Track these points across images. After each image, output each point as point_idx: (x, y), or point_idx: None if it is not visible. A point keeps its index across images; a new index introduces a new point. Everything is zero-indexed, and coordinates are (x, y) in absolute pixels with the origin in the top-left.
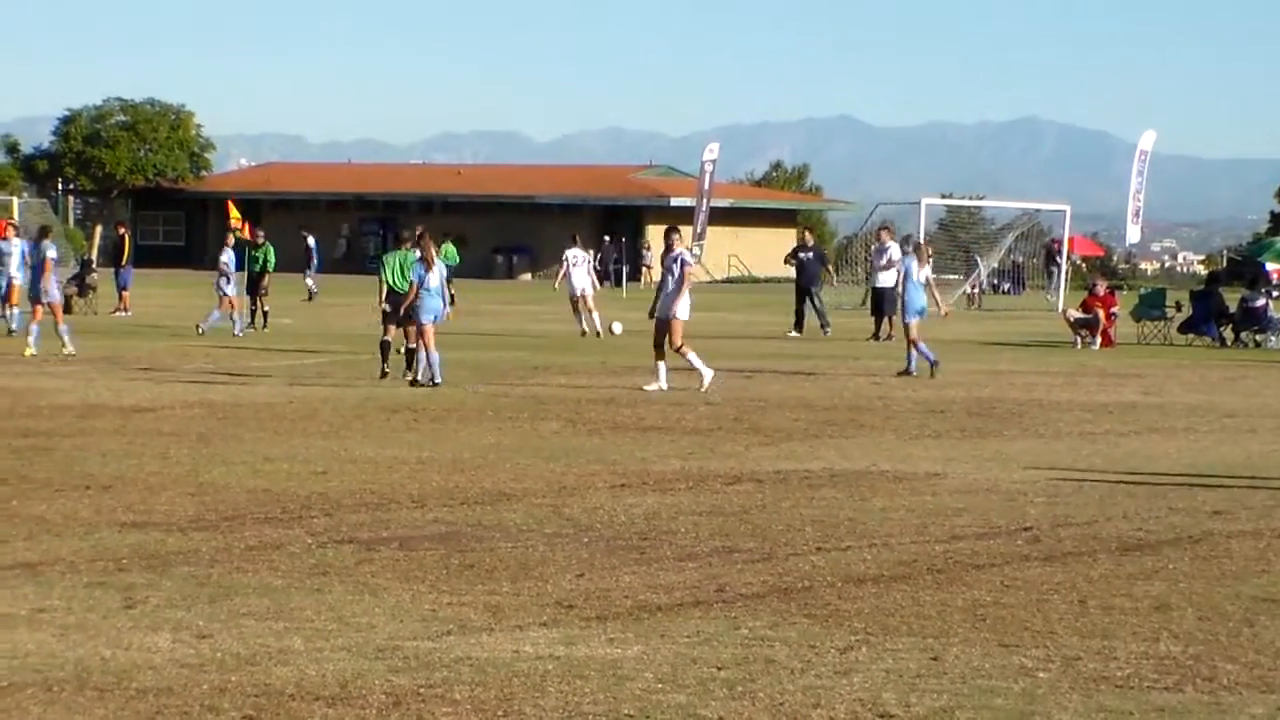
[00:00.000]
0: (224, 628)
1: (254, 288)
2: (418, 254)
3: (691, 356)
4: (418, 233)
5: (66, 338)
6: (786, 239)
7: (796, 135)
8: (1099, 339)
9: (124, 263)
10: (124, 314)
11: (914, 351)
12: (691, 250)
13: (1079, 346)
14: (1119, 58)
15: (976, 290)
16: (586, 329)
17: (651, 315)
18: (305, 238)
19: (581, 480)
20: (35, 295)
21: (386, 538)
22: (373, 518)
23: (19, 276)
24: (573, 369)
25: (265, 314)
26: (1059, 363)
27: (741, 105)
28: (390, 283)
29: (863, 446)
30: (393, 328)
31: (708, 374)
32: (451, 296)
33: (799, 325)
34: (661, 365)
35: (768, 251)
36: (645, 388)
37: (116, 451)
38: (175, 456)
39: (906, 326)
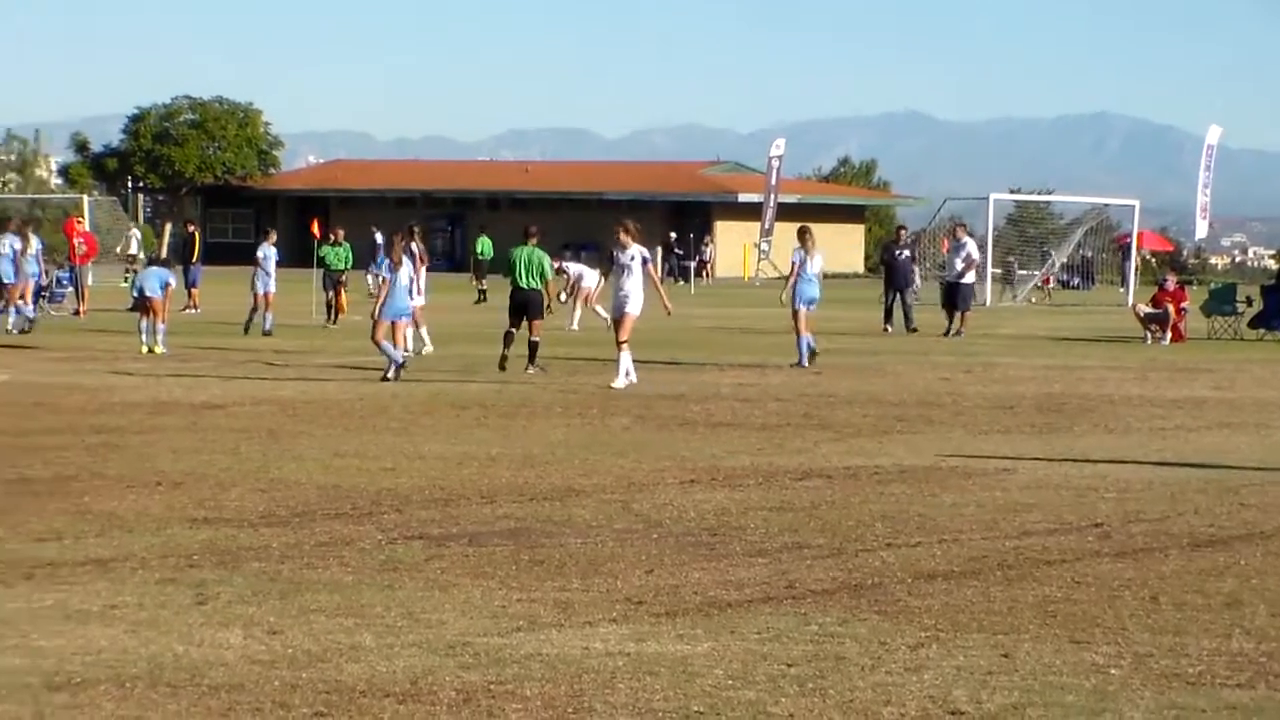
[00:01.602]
0: (295, 624)
1: (334, 285)
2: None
3: (625, 356)
4: (409, 229)
5: (160, 336)
6: (854, 235)
7: (865, 131)
8: (1169, 334)
9: (193, 260)
10: (194, 311)
11: (806, 339)
12: (759, 245)
13: (1149, 342)
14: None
15: (1049, 284)
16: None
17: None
18: (374, 234)
19: (651, 476)
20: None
21: (456, 534)
22: (442, 514)
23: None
24: (642, 365)
25: (338, 311)
26: (1129, 358)
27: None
28: (515, 279)
29: (932, 442)
30: (537, 323)
31: (622, 381)
32: (483, 292)
33: (889, 320)
34: (624, 357)
35: (836, 247)
36: (615, 385)
37: (187, 448)
38: (245, 453)
39: (796, 315)
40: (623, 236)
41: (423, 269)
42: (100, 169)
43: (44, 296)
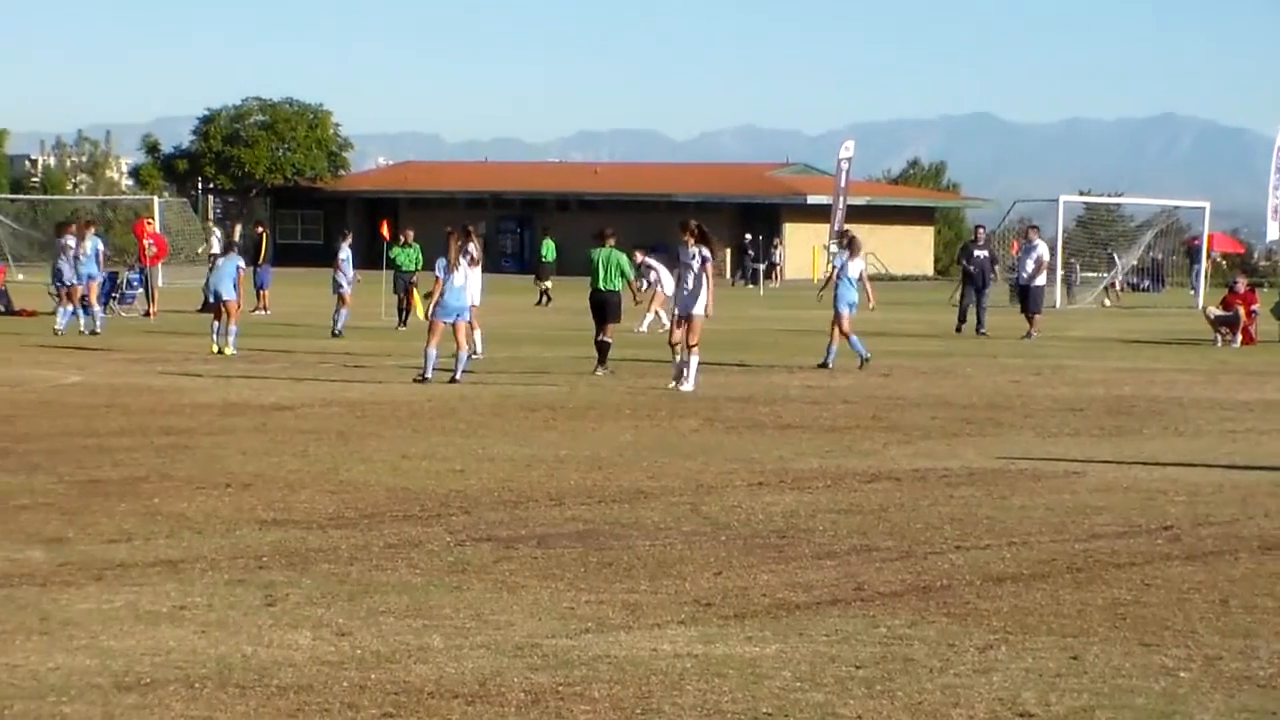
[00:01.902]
0: (363, 625)
1: (405, 287)
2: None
3: (694, 360)
4: (464, 229)
5: (231, 338)
6: (924, 237)
7: (934, 133)
8: (1239, 336)
9: (261, 262)
10: (263, 313)
11: (835, 345)
12: (829, 248)
13: (1219, 344)
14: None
15: (1116, 287)
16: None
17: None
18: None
19: (719, 478)
20: (219, 296)
21: (525, 536)
22: (511, 516)
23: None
24: (710, 367)
25: (409, 312)
26: (1199, 360)
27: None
28: (595, 280)
29: (1001, 444)
30: (610, 326)
31: (691, 384)
32: (547, 294)
33: (964, 321)
34: (680, 360)
35: (905, 249)
36: (675, 386)
37: (256, 449)
38: (314, 454)
39: (840, 318)
40: (685, 236)
41: (476, 270)
42: (171, 170)
43: (114, 298)
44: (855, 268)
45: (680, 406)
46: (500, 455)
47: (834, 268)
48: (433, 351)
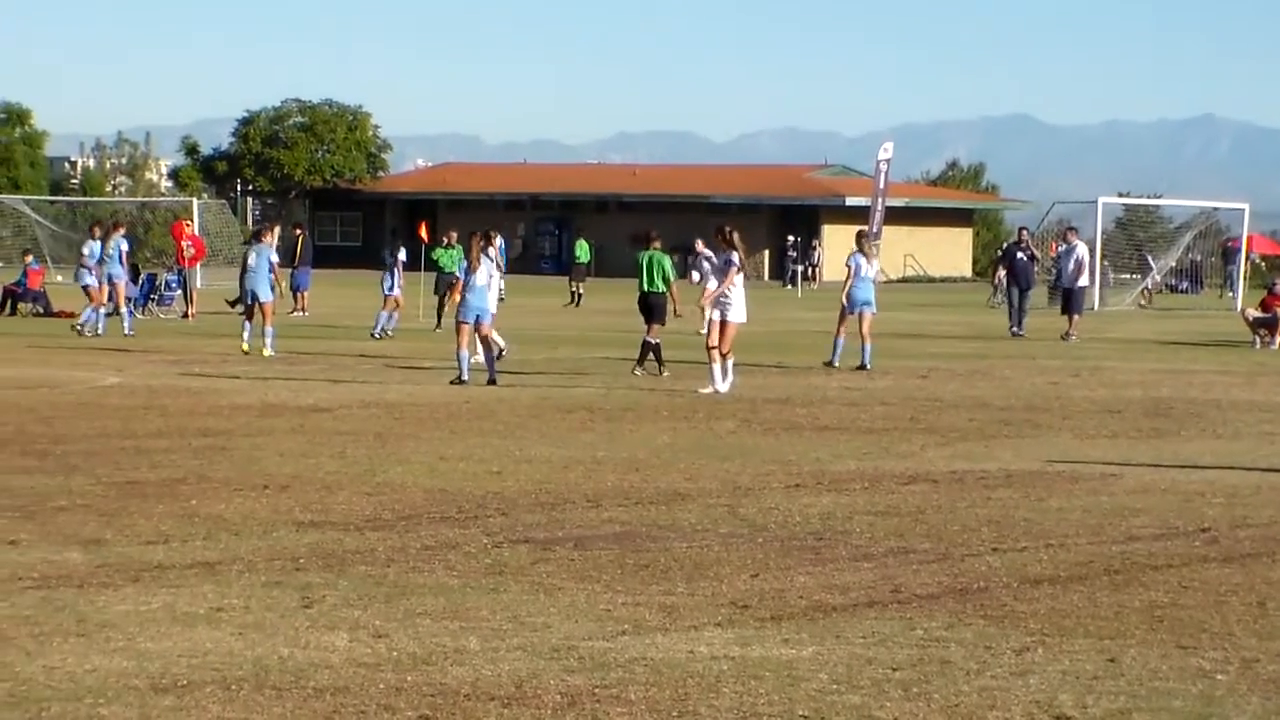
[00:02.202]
0: (400, 627)
1: (447, 288)
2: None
3: (729, 365)
4: (485, 233)
5: (268, 340)
6: (962, 239)
7: (972, 134)
8: (1278, 338)
9: (298, 263)
10: (301, 314)
11: (869, 345)
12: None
13: (1258, 346)
14: None
15: (1150, 289)
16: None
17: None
18: (495, 238)
19: (756, 480)
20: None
21: (562, 537)
22: (548, 517)
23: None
24: (747, 369)
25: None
26: (1237, 362)
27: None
28: (641, 282)
29: (1039, 446)
30: (656, 326)
31: (726, 384)
32: (580, 295)
33: (1019, 322)
34: (716, 367)
35: (943, 250)
36: (700, 390)
37: (294, 451)
38: (352, 456)
39: (862, 319)
40: (719, 240)
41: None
42: (210, 172)
43: (152, 300)
44: (872, 268)
45: (718, 408)
46: (537, 457)
47: (849, 268)
48: (465, 353)
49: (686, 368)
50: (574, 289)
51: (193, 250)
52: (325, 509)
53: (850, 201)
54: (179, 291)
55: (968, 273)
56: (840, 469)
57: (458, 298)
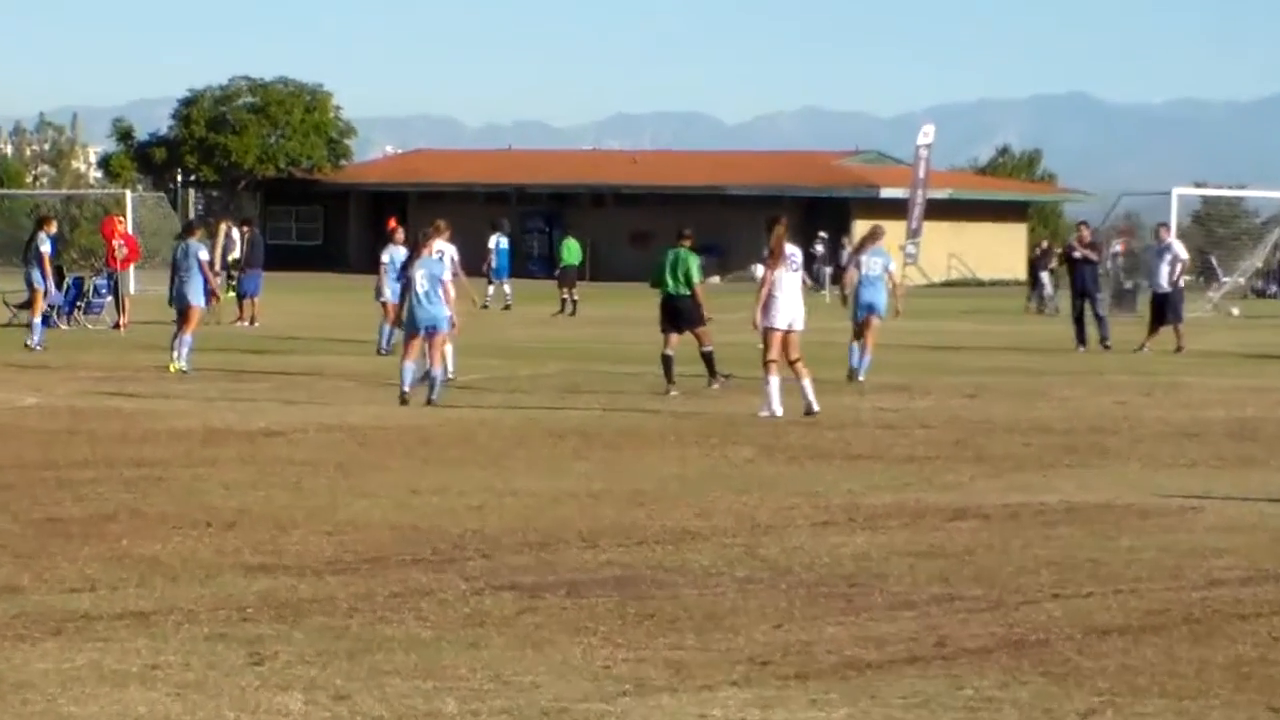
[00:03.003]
0: (365, 687)
1: None
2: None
3: (807, 382)
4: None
5: (184, 350)
6: (1015, 235)
7: (1025, 115)
8: None
9: (244, 267)
10: (246, 325)
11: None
12: (905, 248)
13: None
14: None
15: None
16: None
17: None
18: (497, 237)
19: (779, 516)
20: (183, 300)
21: (553, 583)
22: (537, 560)
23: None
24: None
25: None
26: None
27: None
28: (665, 286)
29: (1106, 476)
30: (674, 337)
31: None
32: (574, 303)
33: (1081, 338)
34: (774, 382)
35: (993, 249)
36: (760, 413)
37: (242, 483)
38: (309, 488)
39: (867, 325)
40: (775, 233)
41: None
42: (146, 160)
43: (79, 307)
44: (876, 264)
45: (734, 433)
46: (524, 489)
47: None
48: (409, 365)
49: (699, 381)
50: (565, 295)
51: (125, 250)
52: (277, 550)
53: (885, 193)
54: (109, 298)
55: (1022, 275)
56: (875, 503)
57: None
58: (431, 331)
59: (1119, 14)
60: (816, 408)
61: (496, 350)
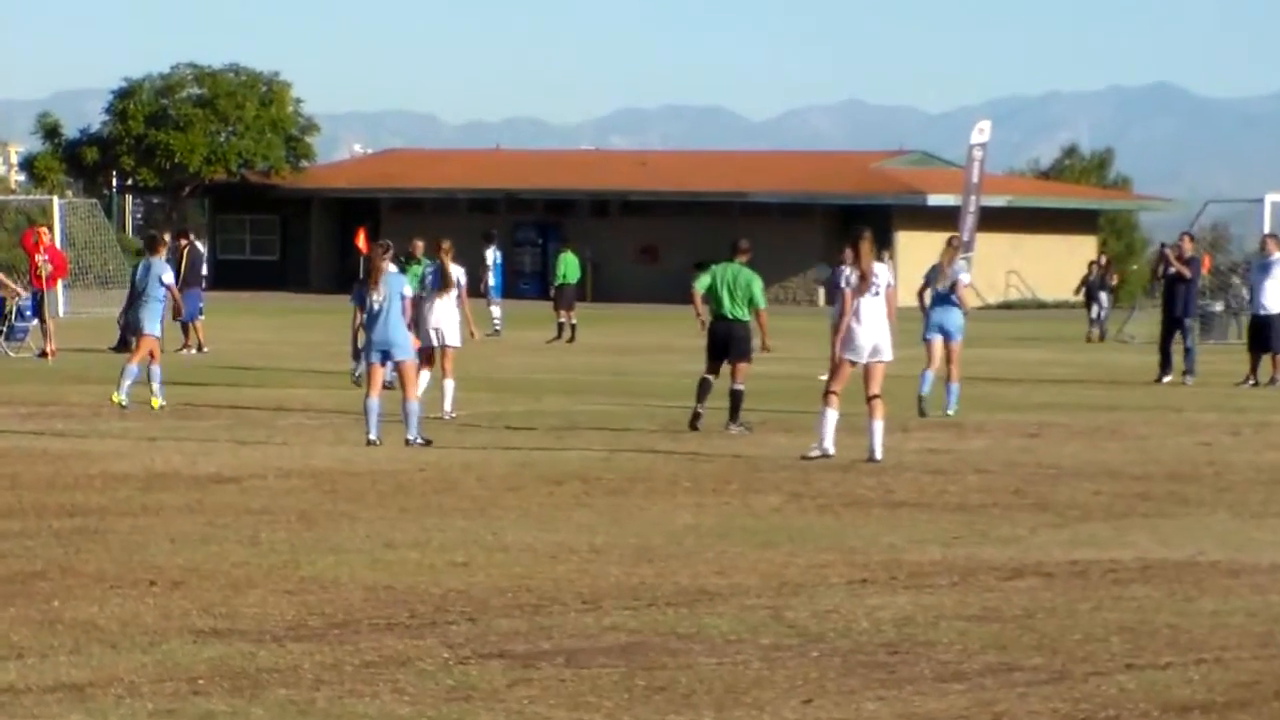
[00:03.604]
0: None
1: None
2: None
3: (877, 425)
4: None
5: (157, 384)
6: (1084, 249)
7: (1098, 109)
8: None
9: (184, 284)
10: (191, 351)
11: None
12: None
13: None
14: None
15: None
16: None
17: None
18: (487, 251)
19: (809, 574)
20: (136, 327)
21: (549, 651)
22: (530, 624)
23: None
24: (796, 424)
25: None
26: None
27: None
28: (718, 305)
29: (1187, 529)
30: (742, 366)
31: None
32: (572, 327)
33: (1166, 367)
34: (831, 416)
35: (1057, 266)
36: (808, 453)
37: (189, 535)
38: (268, 542)
39: (947, 349)
40: (851, 253)
41: (450, 297)
42: (75, 162)
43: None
44: (949, 279)
45: (758, 478)
46: (516, 543)
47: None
48: (374, 401)
49: (715, 414)
50: (562, 319)
51: (49, 267)
52: (232, 613)
53: (933, 200)
54: (35, 321)
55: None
56: (921, 559)
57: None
58: (390, 357)
59: None
60: (880, 455)
61: (484, 382)
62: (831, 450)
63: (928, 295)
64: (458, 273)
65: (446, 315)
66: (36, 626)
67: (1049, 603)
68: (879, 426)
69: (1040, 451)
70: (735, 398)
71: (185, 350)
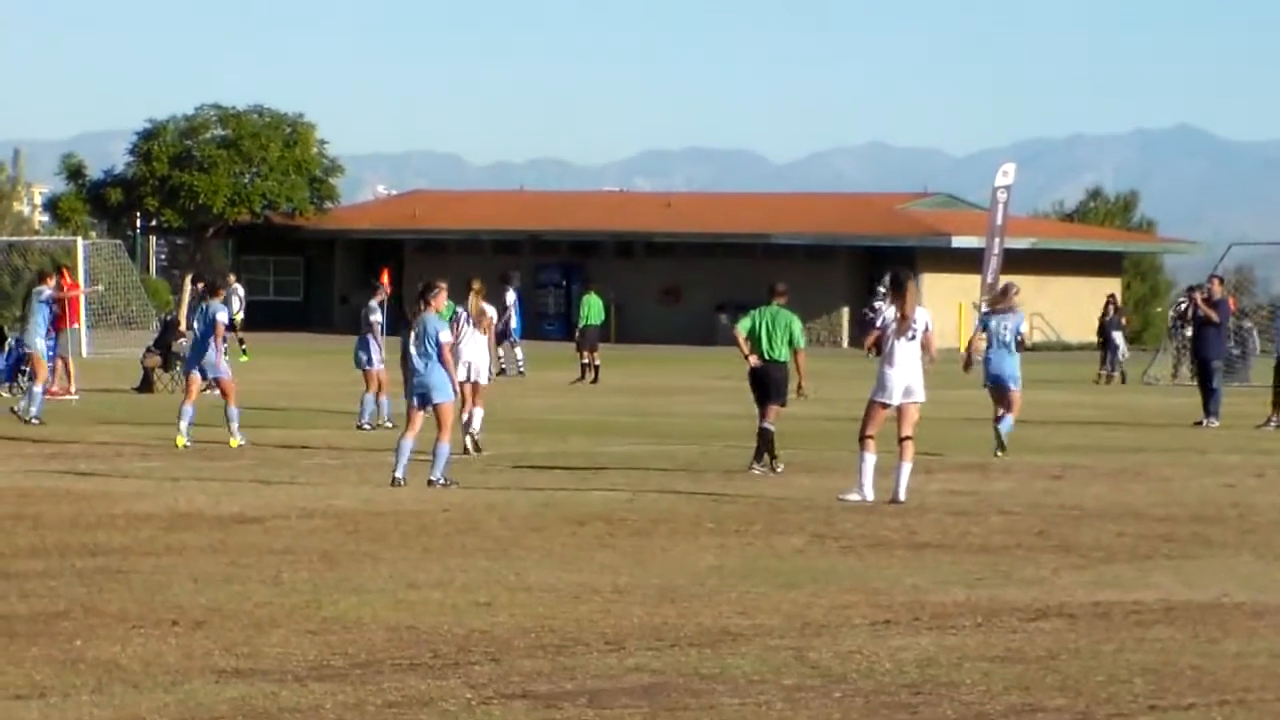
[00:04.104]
0: None
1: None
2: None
3: (905, 468)
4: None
5: (234, 424)
6: (1106, 291)
7: (1122, 152)
8: None
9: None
10: (216, 393)
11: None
12: (978, 306)
13: None
14: None
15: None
16: None
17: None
18: (506, 290)
19: (833, 614)
20: (196, 368)
21: (571, 691)
22: (553, 664)
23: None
24: (818, 464)
25: None
26: None
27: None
28: (759, 347)
29: (1211, 570)
30: (774, 407)
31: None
32: (595, 369)
33: (1210, 410)
34: (869, 461)
35: (1081, 307)
36: (845, 496)
37: (213, 575)
38: (291, 582)
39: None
40: (893, 294)
41: (478, 335)
42: (100, 202)
43: (21, 372)
44: (1010, 327)
45: (780, 519)
46: (539, 584)
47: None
48: (408, 442)
49: (745, 451)
50: (585, 360)
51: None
52: (254, 653)
53: (957, 242)
54: (58, 361)
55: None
56: (944, 600)
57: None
58: (429, 401)
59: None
60: (904, 497)
61: (508, 423)
62: (870, 497)
63: (980, 341)
64: (490, 311)
65: (478, 352)
66: (59, 666)
67: (1072, 644)
68: (906, 469)
69: (1064, 493)
70: (764, 438)
71: (209, 391)
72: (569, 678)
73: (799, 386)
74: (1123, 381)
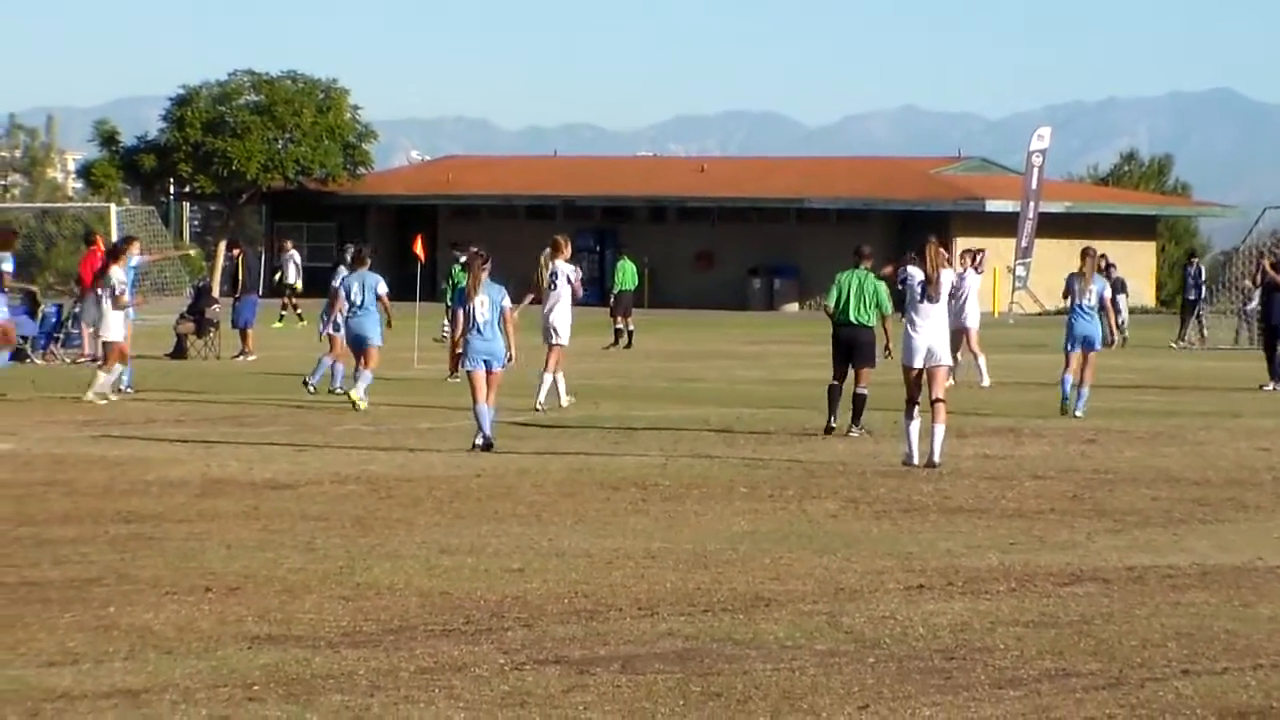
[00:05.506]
0: None
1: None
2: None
3: (940, 431)
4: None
5: (364, 385)
6: (1142, 256)
7: (1157, 115)
8: None
9: (240, 292)
10: (245, 358)
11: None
12: (1014, 270)
13: None
14: None
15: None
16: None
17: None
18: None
19: (866, 580)
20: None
21: (605, 656)
22: (586, 630)
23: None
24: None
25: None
26: None
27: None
28: (846, 315)
29: (1246, 534)
30: (865, 371)
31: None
32: (629, 334)
33: (1275, 374)
34: (913, 426)
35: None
36: (908, 462)
37: (246, 542)
38: (324, 548)
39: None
40: (928, 255)
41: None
42: (133, 169)
43: (56, 339)
44: (1092, 294)
45: (814, 484)
46: (572, 549)
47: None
48: (484, 408)
49: (775, 422)
50: (619, 325)
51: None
52: (287, 618)
53: (992, 206)
54: (90, 327)
55: (1149, 301)
56: (978, 565)
57: (459, 335)
58: (490, 367)
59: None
60: (939, 459)
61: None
62: (918, 460)
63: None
64: (570, 273)
65: (561, 314)
66: (92, 632)
67: (1106, 608)
68: (941, 431)
69: (1098, 457)
70: (858, 401)
71: (241, 357)
72: (602, 643)
73: (887, 347)
74: (1123, 345)
